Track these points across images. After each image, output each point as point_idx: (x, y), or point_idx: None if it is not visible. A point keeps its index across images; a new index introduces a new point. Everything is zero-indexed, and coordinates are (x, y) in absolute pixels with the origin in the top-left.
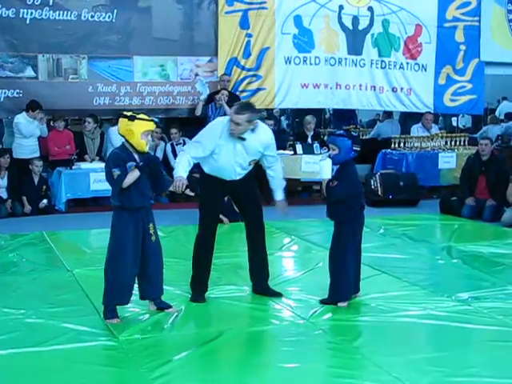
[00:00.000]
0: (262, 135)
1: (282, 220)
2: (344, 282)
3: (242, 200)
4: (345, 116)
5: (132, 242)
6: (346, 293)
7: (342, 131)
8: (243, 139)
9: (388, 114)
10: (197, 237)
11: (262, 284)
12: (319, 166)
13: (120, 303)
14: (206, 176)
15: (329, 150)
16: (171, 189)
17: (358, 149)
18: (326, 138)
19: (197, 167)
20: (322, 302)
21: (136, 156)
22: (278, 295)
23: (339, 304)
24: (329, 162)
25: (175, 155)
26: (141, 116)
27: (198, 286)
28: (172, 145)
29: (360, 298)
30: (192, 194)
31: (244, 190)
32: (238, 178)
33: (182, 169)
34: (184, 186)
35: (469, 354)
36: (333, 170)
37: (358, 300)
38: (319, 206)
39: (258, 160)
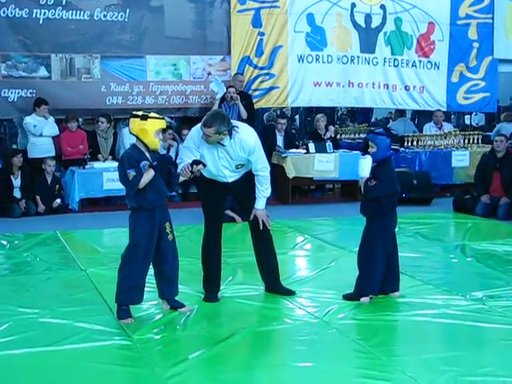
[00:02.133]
0: (244, 141)
1: (295, 219)
2: (368, 277)
3: (242, 201)
4: (360, 114)
5: (148, 241)
6: (370, 288)
7: (381, 129)
8: (223, 145)
9: (400, 113)
10: (203, 238)
11: (274, 283)
12: (359, 163)
13: (132, 302)
14: (203, 177)
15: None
16: (181, 179)
17: (397, 147)
18: (338, 136)
19: None
20: (345, 297)
21: (148, 155)
22: (291, 293)
23: (361, 299)
24: (369, 159)
25: None
26: (152, 115)
27: (210, 286)
28: None
29: (375, 297)
30: (202, 166)
31: (244, 192)
32: (231, 180)
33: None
34: (189, 167)
35: (484, 353)
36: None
37: (373, 299)
38: (332, 205)
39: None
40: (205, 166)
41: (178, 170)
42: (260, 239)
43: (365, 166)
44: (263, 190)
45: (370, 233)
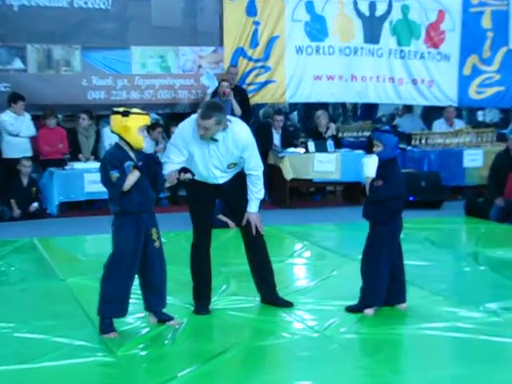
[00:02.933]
0: (238, 135)
1: (293, 224)
2: (373, 286)
3: (233, 205)
4: (362, 110)
5: (133, 249)
6: (375, 299)
7: (387, 127)
8: (215, 140)
9: (408, 109)
10: (191, 246)
11: (270, 293)
12: (363, 163)
13: (116, 315)
14: (193, 182)
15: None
16: (167, 185)
17: (405, 147)
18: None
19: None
20: (349, 309)
21: (132, 154)
22: (289, 305)
23: (365, 311)
24: (375, 158)
25: None
26: (135, 110)
27: (201, 298)
28: None
29: (380, 309)
30: (189, 175)
31: (235, 194)
32: (221, 181)
33: (171, 168)
34: (177, 174)
35: (499, 370)
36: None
37: (378, 311)
38: (333, 209)
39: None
40: (193, 175)
41: (164, 172)
42: (253, 246)
43: (370, 166)
44: (256, 191)
45: (375, 239)
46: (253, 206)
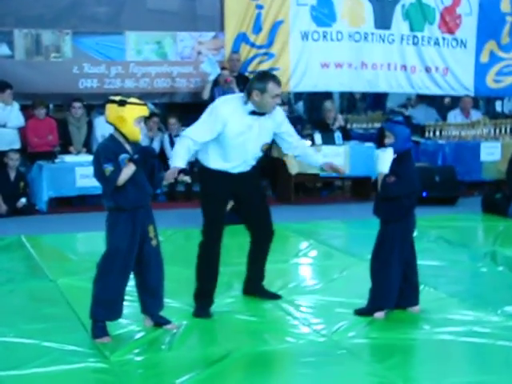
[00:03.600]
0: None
1: (299, 221)
2: (384, 288)
3: (247, 200)
4: (370, 100)
5: (128, 247)
6: (386, 301)
7: (400, 117)
8: (262, 114)
9: (421, 98)
10: (200, 244)
11: (257, 284)
12: (377, 157)
13: (110, 318)
14: (208, 172)
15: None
16: (164, 182)
17: (418, 140)
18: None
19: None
20: (358, 312)
21: (128, 147)
22: (276, 297)
23: (375, 315)
24: (390, 152)
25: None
26: (132, 100)
27: (203, 299)
28: (170, 136)
29: (391, 312)
30: (188, 179)
31: (250, 189)
32: (247, 169)
33: (179, 157)
34: (176, 173)
35: None
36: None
37: (389, 315)
38: (341, 205)
39: (268, 151)
40: (191, 180)
41: (171, 164)
42: (263, 244)
43: (385, 160)
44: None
45: (386, 237)
46: (320, 157)
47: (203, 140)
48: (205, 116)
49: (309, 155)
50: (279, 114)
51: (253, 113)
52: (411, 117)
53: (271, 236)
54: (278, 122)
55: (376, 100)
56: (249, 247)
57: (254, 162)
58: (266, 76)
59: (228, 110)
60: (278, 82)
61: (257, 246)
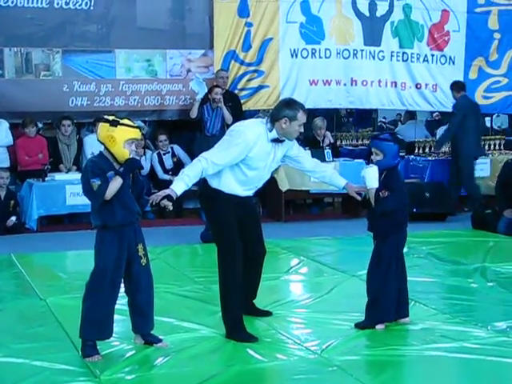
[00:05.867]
0: None
1: (289, 238)
2: (384, 301)
3: (244, 220)
4: (357, 116)
5: (115, 266)
6: (386, 314)
7: (386, 135)
8: (281, 141)
9: (411, 115)
10: (225, 270)
11: (252, 304)
12: (364, 174)
13: (100, 337)
14: (217, 195)
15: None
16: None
17: (403, 154)
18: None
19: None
20: (358, 325)
21: (116, 166)
22: (267, 314)
23: (377, 327)
24: (375, 169)
25: (163, 166)
26: (125, 121)
27: (239, 324)
28: (159, 154)
29: (381, 329)
30: (170, 205)
31: (249, 209)
32: (253, 192)
33: (182, 181)
34: (159, 198)
35: None
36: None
37: (378, 332)
38: (332, 222)
39: None
40: (174, 207)
41: (197, 167)
42: (256, 261)
43: (372, 176)
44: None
45: (383, 252)
46: (341, 178)
47: (225, 164)
48: (229, 140)
49: (328, 177)
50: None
51: (275, 140)
52: (397, 133)
53: (264, 254)
54: (288, 146)
55: (362, 116)
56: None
57: (259, 186)
58: (296, 104)
59: (254, 137)
60: (305, 110)
61: (249, 264)
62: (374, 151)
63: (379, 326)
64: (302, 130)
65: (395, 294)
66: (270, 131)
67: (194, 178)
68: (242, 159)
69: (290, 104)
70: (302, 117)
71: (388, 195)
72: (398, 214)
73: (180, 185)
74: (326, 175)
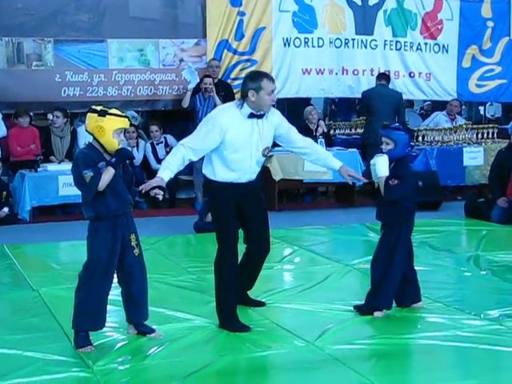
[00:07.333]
0: (270, 113)
1: (283, 227)
2: (387, 290)
3: (250, 212)
4: (342, 105)
5: (109, 257)
6: (385, 301)
7: (397, 124)
8: (262, 116)
9: (410, 103)
10: (218, 260)
11: (246, 294)
12: (374, 162)
13: (92, 328)
14: (215, 185)
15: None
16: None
17: (413, 144)
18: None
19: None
20: (357, 308)
21: (106, 156)
22: (260, 304)
23: (375, 314)
24: (385, 157)
25: (156, 156)
26: (113, 111)
27: (232, 313)
28: (152, 144)
29: (379, 316)
30: (160, 195)
31: (254, 201)
32: (254, 177)
33: (167, 168)
34: (149, 187)
35: (501, 380)
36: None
37: (370, 319)
38: (325, 211)
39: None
40: (164, 197)
41: (174, 155)
42: (258, 258)
43: (383, 165)
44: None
45: (390, 240)
46: (337, 160)
47: (203, 149)
48: (202, 126)
49: (323, 159)
50: (276, 116)
51: (251, 116)
52: (407, 122)
53: (266, 252)
54: (276, 123)
55: (351, 106)
56: (241, 258)
57: (259, 168)
58: (258, 74)
59: (226, 118)
60: (271, 78)
61: (250, 260)
62: (385, 140)
63: (377, 313)
64: (275, 97)
65: (398, 283)
66: (241, 108)
67: (177, 164)
68: (221, 143)
69: (251, 77)
70: (266, 84)
71: (397, 183)
72: (406, 203)
73: (166, 172)
74: (320, 157)
